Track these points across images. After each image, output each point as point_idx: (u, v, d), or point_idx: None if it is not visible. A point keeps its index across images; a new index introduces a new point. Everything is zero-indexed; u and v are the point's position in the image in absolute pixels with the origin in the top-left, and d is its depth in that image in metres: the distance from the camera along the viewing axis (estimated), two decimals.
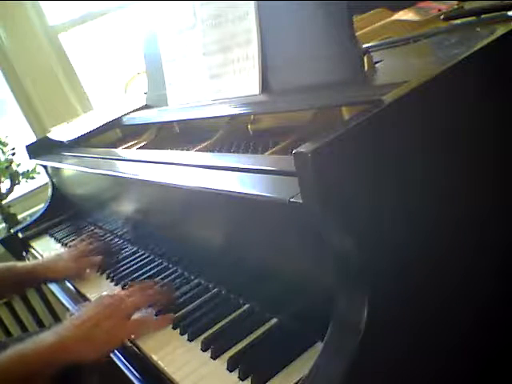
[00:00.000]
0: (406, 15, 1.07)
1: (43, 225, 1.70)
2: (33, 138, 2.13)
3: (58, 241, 1.55)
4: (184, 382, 0.71)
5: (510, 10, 0.77)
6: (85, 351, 0.81)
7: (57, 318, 2.06)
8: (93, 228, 1.50)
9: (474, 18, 0.84)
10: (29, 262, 1.30)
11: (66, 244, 1.48)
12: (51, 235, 1.63)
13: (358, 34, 0.93)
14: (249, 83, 0.92)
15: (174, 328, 0.84)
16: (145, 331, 0.85)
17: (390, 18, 1.07)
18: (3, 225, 2.13)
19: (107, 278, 1.14)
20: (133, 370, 0.81)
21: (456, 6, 1.00)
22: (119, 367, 0.83)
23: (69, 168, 1.46)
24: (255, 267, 0.78)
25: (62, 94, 2.37)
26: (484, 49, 0.62)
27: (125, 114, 1.35)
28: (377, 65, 0.76)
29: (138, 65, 1.65)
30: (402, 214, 0.56)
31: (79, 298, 1.13)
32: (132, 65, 2.11)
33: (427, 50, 0.82)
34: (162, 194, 0.96)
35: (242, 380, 0.66)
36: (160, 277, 1.02)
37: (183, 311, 0.87)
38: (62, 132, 1.62)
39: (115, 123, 1.37)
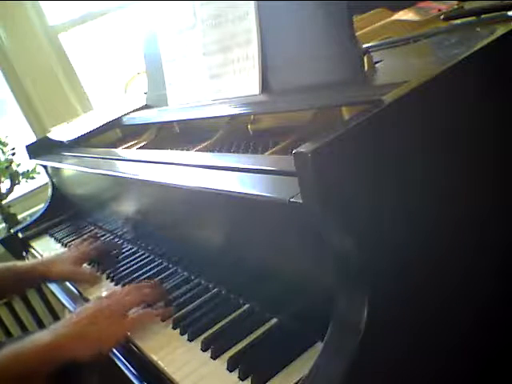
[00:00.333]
0: (406, 15, 1.07)
1: (43, 225, 1.70)
2: (33, 138, 2.13)
3: (58, 241, 1.55)
4: (184, 382, 0.71)
5: (509, 10, 0.77)
6: (80, 349, 0.81)
7: (57, 318, 2.06)
8: (93, 228, 1.50)
9: (474, 17, 0.84)
10: (28, 262, 1.31)
11: (65, 244, 1.48)
12: (51, 235, 1.63)
13: (358, 34, 0.93)
14: (249, 83, 0.92)
15: (174, 328, 0.84)
16: (141, 327, 0.86)
17: (389, 18, 1.07)
18: (3, 225, 2.13)
19: (107, 278, 1.14)
20: (133, 370, 0.81)
21: (456, 6, 1.00)
22: (119, 367, 0.83)
23: (69, 168, 1.46)
24: (255, 267, 0.78)
25: (62, 94, 2.37)
26: (484, 49, 0.62)
27: (125, 114, 1.35)
28: (377, 65, 0.76)
29: (138, 65, 1.65)
30: (402, 214, 0.56)
31: (79, 297, 1.13)
32: (132, 65, 2.11)
33: (427, 50, 0.82)
34: (162, 193, 0.96)
35: (242, 380, 0.66)
36: (160, 277, 1.02)
37: (183, 311, 0.87)
38: (61, 132, 1.62)
39: (115, 123, 1.37)
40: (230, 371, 0.69)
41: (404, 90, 0.56)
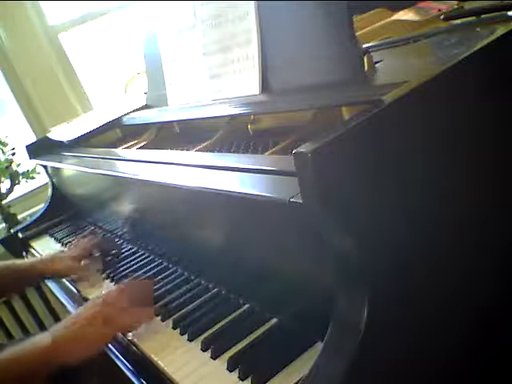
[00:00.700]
0: (406, 15, 1.07)
1: (43, 225, 1.70)
2: (33, 138, 2.13)
3: (58, 241, 1.55)
4: (184, 382, 0.71)
5: (509, 10, 0.77)
6: (78, 351, 0.82)
7: (57, 318, 2.06)
8: (93, 228, 1.50)
9: (474, 17, 0.84)
10: (28, 260, 1.32)
11: (65, 244, 1.48)
12: (51, 235, 1.63)
13: (358, 34, 0.93)
14: (249, 83, 0.92)
15: (174, 328, 0.84)
16: (132, 330, 0.87)
17: (389, 18, 1.07)
18: (3, 225, 2.13)
19: (107, 278, 1.14)
20: (133, 370, 0.81)
21: (456, 6, 1.00)
22: (119, 367, 0.83)
23: (69, 168, 1.46)
24: (255, 267, 0.78)
25: (62, 94, 2.37)
26: (484, 49, 0.62)
27: (125, 114, 1.35)
28: (377, 65, 0.76)
29: (138, 65, 1.65)
30: (402, 213, 0.56)
31: (79, 297, 1.13)
32: (132, 65, 2.11)
33: (427, 50, 0.82)
34: (162, 193, 0.96)
35: (242, 380, 0.66)
36: (160, 277, 1.03)
37: (183, 311, 0.87)
38: (61, 132, 1.62)
39: (115, 123, 1.37)
40: (230, 371, 0.69)
41: (404, 90, 0.56)
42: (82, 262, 1.24)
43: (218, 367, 0.71)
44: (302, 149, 0.50)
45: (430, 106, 0.57)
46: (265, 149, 0.94)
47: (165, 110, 1.19)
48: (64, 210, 1.71)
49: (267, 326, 0.75)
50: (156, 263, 1.10)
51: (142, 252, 1.19)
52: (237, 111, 0.91)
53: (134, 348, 0.85)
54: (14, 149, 2.11)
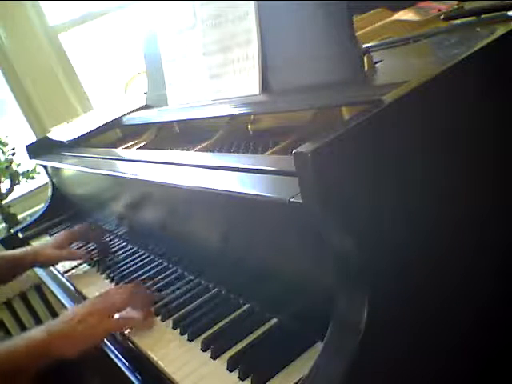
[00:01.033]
0: (406, 15, 1.07)
1: (43, 225, 1.70)
2: (33, 138, 2.13)
3: None
4: (184, 382, 0.71)
5: (509, 10, 0.77)
6: (73, 345, 0.83)
7: None
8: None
9: (474, 17, 0.84)
10: (19, 250, 1.34)
11: None
12: (51, 235, 1.62)
13: (358, 34, 0.93)
14: (249, 83, 0.92)
15: (174, 328, 0.84)
16: (126, 329, 0.88)
17: (389, 18, 1.07)
18: (3, 225, 2.13)
19: (107, 278, 1.14)
20: (133, 370, 0.81)
21: (456, 6, 1.00)
22: (119, 367, 0.83)
23: (69, 168, 1.46)
24: (255, 267, 0.78)
25: (62, 94, 2.37)
26: (484, 49, 0.62)
27: (125, 114, 1.35)
28: (377, 65, 0.76)
29: (138, 65, 1.65)
30: (402, 213, 0.56)
31: (78, 297, 1.13)
32: (132, 65, 2.11)
33: (427, 50, 0.82)
34: (162, 193, 0.96)
35: (242, 380, 0.66)
36: (160, 277, 1.03)
37: (183, 311, 0.87)
38: (61, 132, 1.62)
39: (115, 123, 1.37)
40: (230, 371, 0.69)
41: (404, 90, 0.56)
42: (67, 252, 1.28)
43: (218, 367, 0.71)
44: (302, 149, 0.50)
45: (430, 106, 0.57)
46: (265, 149, 0.94)
47: (165, 110, 1.19)
48: (64, 210, 1.71)
49: (267, 325, 0.75)
50: (156, 263, 1.10)
51: (142, 252, 1.19)
52: (237, 111, 0.91)
53: (134, 348, 0.85)
54: (14, 149, 2.11)
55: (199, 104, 1.04)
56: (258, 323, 0.76)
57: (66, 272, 1.28)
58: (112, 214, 1.35)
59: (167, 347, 0.80)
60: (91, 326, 0.84)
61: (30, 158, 1.68)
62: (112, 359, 0.86)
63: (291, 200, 0.54)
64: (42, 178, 2.06)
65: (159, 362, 0.78)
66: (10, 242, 1.69)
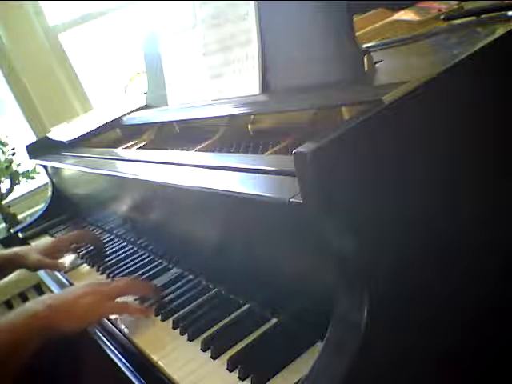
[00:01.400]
0: (406, 15, 1.07)
1: (43, 225, 1.70)
2: (33, 138, 2.13)
3: None
4: (184, 382, 0.71)
5: (509, 9, 0.77)
6: (67, 322, 0.83)
7: None
8: (93, 228, 1.50)
9: (474, 17, 0.84)
10: (8, 250, 1.34)
11: None
12: (51, 235, 1.63)
13: (357, 34, 0.93)
14: (249, 83, 0.92)
15: (174, 328, 0.84)
16: (124, 313, 0.90)
17: (389, 18, 1.07)
18: (3, 225, 2.13)
19: (107, 278, 1.14)
20: (133, 370, 0.81)
21: (456, 6, 1.00)
22: (119, 367, 0.83)
23: (69, 168, 1.46)
24: (255, 267, 0.78)
25: (62, 94, 2.37)
26: (484, 49, 0.61)
27: (125, 114, 1.35)
28: (377, 65, 0.76)
29: (138, 65, 1.65)
30: (402, 213, 0.56)
31: None
32: (132, 65, 2.11)
33: (427, 49, 0.82)
34: (162, 194, 0.96)
35: (242, 380, 0.66)
36: (160, 277, 1.02)
37: (183, 311, 0.87)
38: (61, 132, 1.62)
39: (115, 123, 1.37)
40: (230, 371, 0.69)
41: (404, 90, 0.56)
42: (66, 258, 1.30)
43: (218, 367, 0.71)
44: (302, 149, 0.50)
45: (429, 106, 0.57)
46: (265, 149, 0.94)
47: (165, 110, 1.19)
48: (64, 210, 1.71)
49: (267, 325, 0.75)
50: (156, 263, 1.10)
51: (142, 252, 1.19)
52: (237, 111, 0.91)
53: (134, 348, 0.85)
54: (14, 149, 2.11)
55: (199, 104, 1.04)
56: (258, 323, 0.76)
57: (66, 272, 1.28)
58: (112, 214, 1.35)
59: (167, 347, 0.80)
60: (92, 303, 0.85)
61: (30, 158, 1.67)
62: (112, 359, 0.86)
63: (291, 200, 0.54)
64: (42, 178, 2.06)
65: (159, 362, 0.78)
66: (10, 242, 1.68)
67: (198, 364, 0.73)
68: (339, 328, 0.55)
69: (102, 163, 1.17)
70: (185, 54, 1.09)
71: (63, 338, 0.82)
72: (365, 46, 0.86)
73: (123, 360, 0.84)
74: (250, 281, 0.81)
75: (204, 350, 0.76)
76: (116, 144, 1.49)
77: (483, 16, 0.82)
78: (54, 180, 1.75)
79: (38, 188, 2.26)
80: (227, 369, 0.70)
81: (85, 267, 1.27)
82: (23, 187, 2.20)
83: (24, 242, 1.66)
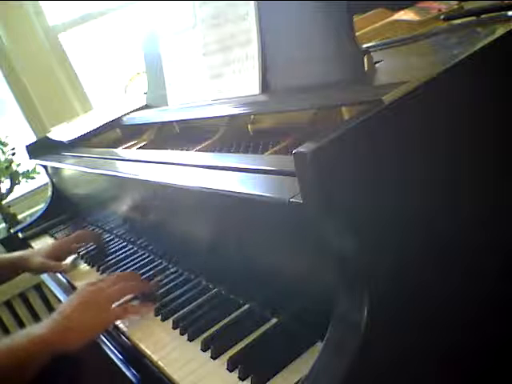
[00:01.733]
0: (406, 15, 1.07)
1: (43, 225, 1.70)
2: (33, 138, 2.13)
3: None
4: (184, 382, 0.71)
5: (509, 9, 0.77)
6: (72, 340, 0.83)
7: None
8: (93, 228, 1.50)
9: (474, 17, 0.84)
10: (12, 254, 1.34)
11: None
12: (51, 235, 1.63)
13: (357, 34, 0.93)
14: (249, 83, 0.92)
15: (174, 328, 0.84)
16: (125, 317, 0.89)
17: (389, 18, 1.07)
18: (3, 225, 2.13)
19: None
20: (133, 370, 0.81)
21: (456, 6, 1.00)
22: (119, 367, 0.83)
23: (69, 168, 1.46)
24: (255, 267, 0.78)
25: (62, 94, 2.37)
26: (484, 49, 0.61)
27: (125, 114, 1.35)
28: (377, 65, 0.76)
29: (138, 65, 1.65)
30: (402, 213, 0.56)
31: None
32: (132, 65, 2.11)
33: (427, 49, 0.82)
34: (162, 194, 0.96)
35: (242, 380, 0.66)
36: (160, 277, 1.02)
37: (183, 311, 0.87)
38: (61, 132, 1.62)
39: (115, 123, 1.37)
40: (230, 371, 0.69)
41: (404, 90, 0.56)
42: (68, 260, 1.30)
43: (218, 367, 0.71)
44: (302, 149, 0.50)
45: (430, 106, 0.57)
46: (265, 149, 0.94)
47: (165, 110, 1.19)
48: (64, 210, 1.71)
49: (267, 325, 0.75)
50: (156, 263, 1.10)
51: (142, 252, 1.19)
52: (237, 111, 0.91)
53: (134, 348, 0.85)
54: (14, 149, 2.11)
55: (199, 104, 1.04)
56: (258, 323, 0.76)
57: (66, 272, 1.27)
58: (112, 214, 1.35)
59: (167, 347, 0.80)
60: (93, 316, 0.85)
61: (30, 158, 1.68)
62: (112, 359, 0.86)
63: (291, 200, 0.54)
64: (42, 178, 2.06)
65: (159, 362, 0.78)
66: (10, 242, 1.69)
67: (198, 364, 0.73)
68: (339, 328, 0.55)
69: (101, 163, 1.17)
70: (185, 53, 1.09)
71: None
72: (365, 46, 0.86)
73: (123, 360, 0.84)
74: (250, 281, 0.81)
75: (204, 350, 0.76)
76: (116, 144, 1.49)
77: (483, 16, 0.82)
78: (54, 180, 1.75)
79: (38, 188, 2.25)
80: (227, 369, 0.70)
81: (85, 267, 1.27)
82: (23, 187, 2.20)
83: (24, 242, 1.66)
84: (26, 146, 1.67)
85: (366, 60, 0.73)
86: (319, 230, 0.55)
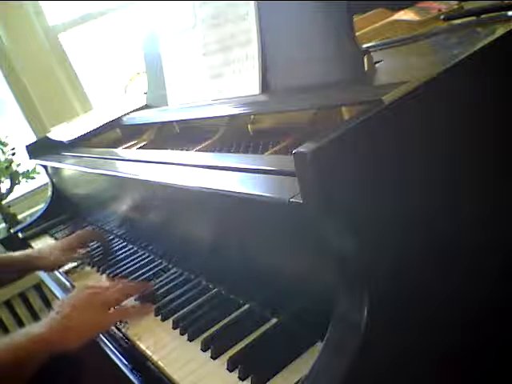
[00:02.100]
0: (406, 15, 1.07)
1: (43, 225, 1.70)
2: (33, 138, 2.13)
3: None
4: (184, 382, 0.71)
5: (509, 9, 0.77)
6: (69, 341, 0.83)
7: None
8: (93, 228, 1.50)
9: (474, 17, 0.84)
10: (22, 252, 1.33)
11: None
12: (51, 235, 1.63)
13: (357, 34, 0.93)
14: (249, 83, 0.92)
15: (174, 328, 0.84)
16: (125, 319, 0.89)
17: (389, 18, 1.07)
18: (3, 225, 2.13)
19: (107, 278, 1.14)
20: (132, 370, 0.81)
21: (456, 6, 1.00)
22: (119, 367, 0.83)
23: (69, 168, 1.46)
24: (255, 267, 0.78)
25: (62, 94, 2.37)
26: (484, 49, 0.61)
27: (125, 114, 1.35)
28: (377, 65, 0.76)
29: (138, 65, 1.65)
30: (402, 213, 0.56)
31: None
32: (132, 65, 2.11)
33: (427, 49, 0.82)
34: (162, 193, 0.96)
35: (242, 380, 0.66)
36: (160, 277, 1.02)
37: (183, 311, 0.87)
38: (61, 132, 1.62)
39: (115, 123, 1.37)
40: (230, 371, 0.69)
41: (404, 90, 0.56)
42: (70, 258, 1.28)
43: (218, 367, 0.71)
44: (302, 149, 0.50)
45: (429, 106, 0.57)
46: (265, 149, 0.94)
47: (165, 110, 1.19)
48: (64, 210, 1.71)
49: (267, 325, 0.75)
50: (156, 263, 1.10)
51: (142, 252, 1.19)
52: (237, 111, 0.91)
53: (134, 348, 0.85)
54: (14, 149, 2.11)
55: (199, 104, 1.04)
56: (258, 323, 0.76)
57: (66, 272, 1.28)
58: (112, 214, 1.35)
59: (167, 347, 0.80)
60: (93, 317, 0.85)
61: (30, 158, 1.68)
62: (112, 359, 0.86)
63: (291, 200, 0.54)
64: (42, 178, 2.06)
65: (159, 362, 0.78)
66: (10, 242, 1.69)
67: (198, 364, 0.73)
68: (339, 328, 0.55)
69: (102, 163, 1.17)
70: (185, 53, 1.09)
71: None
72: (365, 46, 0.86)
73: (123, 360, 0.84)
74: (250, 281, 0.81)
75: (204, 350, 0.76)
76: (116, 144, 1.49)
77: (483, 16, 0.82)
78: (54, 180, 1.75)
79: (38, 188, 2.25)
80: (227, 369, 0.70)
81: (85, 267, 1.27)
82: (23, 187, 2.20)
83: (24, 242, 1.66)
84: (26, 146, 1.67)
85: (366, 60, 0.73)
86: (319, 230, 0.55)
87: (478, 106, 0.62)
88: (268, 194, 0.60)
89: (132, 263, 1.15)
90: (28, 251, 1.35)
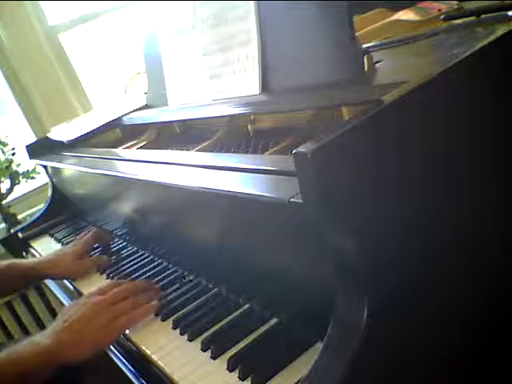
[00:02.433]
0: (406, 15, 1.07)
1: (43, 225, 1.70)
2: (33, 138, 2.13)
3: (58, 241, 1.55)
4: (184, 382, 0.71)
5: (509, 10, 0.77)
6: (78, 353, 0.81)
7: None
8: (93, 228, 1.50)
9: (474, 17, 0.84)
10: (30, 260, 1.31)
11: (66, 244, 1.48)
12: (51, 235, 1.63)
13: (357, 34, 0.93)
14: (249, 83, 0.92)
15: (174, 328, 0.84)
16: (133, 325, 0.87)
17: (389, 18, 1.07)
18: (3, 225, 2.13)
19: (107, 278, 1.14)
20: (133, 370, 0.81)
21: (456, 6, 1.00)
22: (119, 367, 0.83)
23: (69, 168, 1.46)
24: (255, 267, 0.78)
25: (62, 94, 2.37)
26: (484, 49, 0.61)
27: (125, 114, 1.35)
28: (377, 65, 0.76)
29: (138, 65, 1.65)
30: (402, 214, 0.56)
31: (79, 297, 1.12)
32: (132, 65, 2.11)
33: (427, 50, 0.82)
34: (162, 193, 0.96)
35: (242, 380, 0.66)
36: (160, 277, 1.02)
37: (183, 311, 0.87)
38: (61, 132, 1.62)
39: (115, 123, 1.37)
40: (230, 371, 0.69)
41: (404, 90, 0.56)
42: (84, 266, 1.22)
43: (218, 367, 0.71)
44: (302, 149, 0.50)
45: (429, 106, 0.57)
46: (265, 149, 0.94)
47: (165, 110, 1.19)
48: (64, 210, 1.71)
49: (267, 325, 0.75)
50: (156, 263, 1.10)
51: (142, 252, 1.19)
52: (237, 111, 0.91)
53: (134, 347, 0.85)
54: (14, 149, 2.11)
55: (199, 104, 1.04)
56: (258, 323, 0.76)
57: None
58: (112, 214, 1.35)
59: (167, 347, 0.80)
60: (99, 328, 0.82)
61: (30, 158, 1.68)
62: (112, 359, 0.86)
63: (291, 200, 0.54)
64: (42, 178, 2.06)
65: (159, 361, 0.78)
66: (10, 242, 1.69)
67: (198, 364, 0.73)
68: (339, 328, 0.55)
69: (101, 163, 1.17)
70: (185, 54, 1.09)
71: None
72: (365, 46, 0.86)
73: (123, 360, 0.84)
74: (250, 281, 0.81)
75: (204, 350, 0.76)
76: (116, 144, 1.49)
77: (483, 16, 0.82)
78: (54, 180, 1.75)
79: (38, 188, 2.25)
80: (227, 369, 0.70)
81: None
82: (23, 187, 2.20)
83: (24, 242, 1.66)
84: (26, 146, 1.67)
85: (366, 60, 0.73)
86: (319, 230, 0.55)
87: (478, 106, 0.62)
88: (268, 194, 0.60)
89: (132, 263, 1.15)
90: (36, 260, 1.30)
